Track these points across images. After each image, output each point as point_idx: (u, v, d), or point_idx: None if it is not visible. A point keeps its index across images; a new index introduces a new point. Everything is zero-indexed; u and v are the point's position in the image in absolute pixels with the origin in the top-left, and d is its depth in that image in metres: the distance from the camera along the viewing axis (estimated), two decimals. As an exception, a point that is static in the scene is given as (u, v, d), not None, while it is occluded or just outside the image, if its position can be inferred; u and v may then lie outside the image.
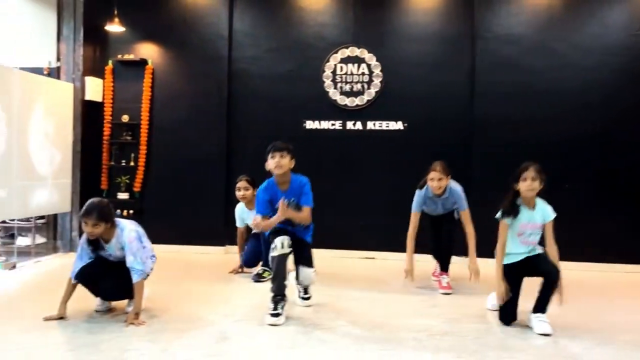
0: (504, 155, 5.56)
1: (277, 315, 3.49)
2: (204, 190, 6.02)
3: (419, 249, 4.95)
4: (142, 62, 6.05)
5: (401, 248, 4.93)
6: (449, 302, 4.17)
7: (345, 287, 4.54)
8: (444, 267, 4.60)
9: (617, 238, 5.40)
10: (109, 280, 3.56)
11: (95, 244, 3.54)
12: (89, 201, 3.45)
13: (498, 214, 3.60)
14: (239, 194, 4.84)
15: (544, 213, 3.57)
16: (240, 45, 6.04)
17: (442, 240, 4.60)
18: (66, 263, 5.35)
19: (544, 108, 5.53)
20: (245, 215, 4.95)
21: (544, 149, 5.35)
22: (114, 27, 5.88)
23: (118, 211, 6.09)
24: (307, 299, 3.97)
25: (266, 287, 3.82)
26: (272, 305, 3.53)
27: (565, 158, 5.49)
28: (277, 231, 3.66)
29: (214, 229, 6.00)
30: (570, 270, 4.28)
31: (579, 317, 3.77)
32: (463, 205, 4.45)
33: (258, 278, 4.69)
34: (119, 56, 6.06)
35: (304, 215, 3.68)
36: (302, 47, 5.95)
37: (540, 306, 3.47)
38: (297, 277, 3.86)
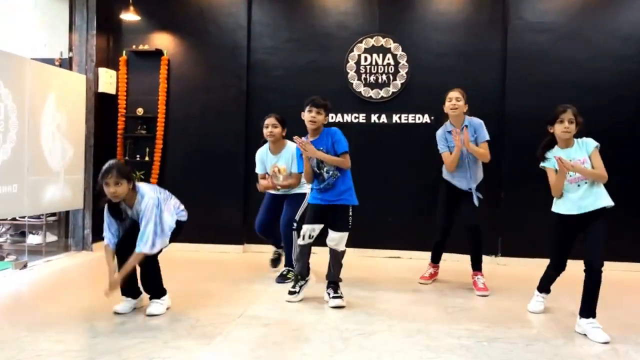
0: (536, 150, 5.31)
1: (293, 292, 3.84)
2: (221, 187, 5.77)
3: (450, 248, 4.73)
4: (158, 53, 5.80)
5: (427, 247, 4.82)
6: (487, 305, 3.91)
7: (376, 289, 4.28)
8: (477, 266, 4.33)
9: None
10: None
11: (118, 213, 3.43)
12: (106, 164, 3.36)
13: (542, 163, 3.53)
14: (266, 131, 4.37)
15: (583, 146, 3.41)
16: (260, 35, 5.79)
17: (469, 234, 4.27)
18: (79, 262, 5.16)
19: (578, 100, 5.22)
20: (267, 160, 4.49)
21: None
22: (129, 16, 5.64)
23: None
24: (338, 297, 3.76)
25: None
26: (292, 284, 3.92)
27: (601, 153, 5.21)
28: (312, 211, 3.83)
29: (233, 226, 5.77)
30: (613, 271, 4.00)
31: (632, 320, 3.52)
32: (484, 134, 4.25)
33: (282, 279, 4.43)
34: (134, 47, 5.82)
35: (339, 159, 3.72)
36: (324, 36, 5.69)
37: (589, 309, 3.21)
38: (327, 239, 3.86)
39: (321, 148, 3.74)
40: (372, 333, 3.19)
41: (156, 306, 3.48)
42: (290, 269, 4.44)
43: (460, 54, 5.50)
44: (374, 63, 5.60)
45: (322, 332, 3.19)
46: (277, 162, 4.41)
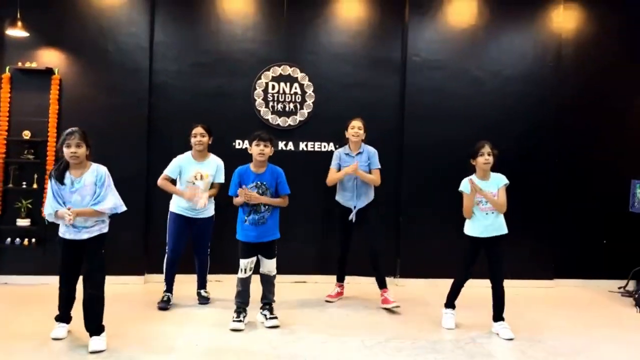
0: (432, 178, 5.73)
1: (240, 321, 4.12)
2: (121, 215, 5.44)
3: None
4: (48, 72, 5.34)
5: (332, 270, 5.17)
6: (394, 322, 4.14)
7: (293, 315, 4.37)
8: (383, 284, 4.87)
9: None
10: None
11: (61, 178, 3.60)
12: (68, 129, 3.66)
13: (460, 187, 4.19)
14: (194, 140, 4.60)
15: (496, 181, 4.14)
16: (163, 57, 5.58)
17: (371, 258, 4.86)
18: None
19: (467, 133, 5.71)
20: (189, 166, 4.62)
21: (469, 168, 5.56)
22: (16, 32, 5.13)
23: (18, 240, 5.35)
24: (274, 318, 4.21)
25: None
26: (235, 314, 4.15)
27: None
28: (245, 246, 4.18)
29: (133, 256, 5.48)
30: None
31: (529, 325, 3.95)
32: (376, 162, 4.85)
33: (205, 301, 4.80)
34: (19, 64, 5.30)
35: (280, 201, 4.22)
36: (231, 62, 5.63)
37: (499, 314, 4.11)
38: (260, 269, 4.28)
39: (264, 182, 4.15)
40: None
41: (98, 342, 3.60)
42: (205, 291, 4.86)
43: (363, 85, 5.75)
44: (281, 91, 5.66)
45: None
46: (200, 169, 4.60)
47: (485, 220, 4.07)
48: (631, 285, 5.61)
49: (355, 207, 4.83)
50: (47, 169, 5.32)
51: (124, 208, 3.82)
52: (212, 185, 4.68)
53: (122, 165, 5.41)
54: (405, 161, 5.75)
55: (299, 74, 5.68)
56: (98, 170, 3.69)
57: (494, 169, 4.25)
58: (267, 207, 4.14)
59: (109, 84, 5.47)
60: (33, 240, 5.37)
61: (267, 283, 4.28)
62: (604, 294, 5.55)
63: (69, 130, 3.65)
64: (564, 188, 5.87)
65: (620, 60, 5.90)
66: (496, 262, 4.07)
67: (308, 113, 5.69)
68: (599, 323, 4.51)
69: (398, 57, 5.79)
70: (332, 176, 4.88)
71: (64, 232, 3.69)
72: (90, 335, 3.64)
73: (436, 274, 5.57)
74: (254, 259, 4.21)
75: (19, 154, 5.34)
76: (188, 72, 5.61)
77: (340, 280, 5.12)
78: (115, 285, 5.18)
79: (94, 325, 3.66)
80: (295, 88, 5.68)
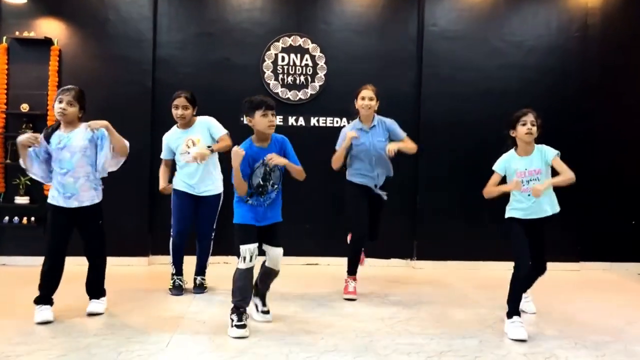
0: (449, 155, 5.46)
1: (244, 325, 3.25)
2: (124, 193, 5.20)
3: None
4: (47, 42, 5.10)
5: (344, 253, 4.58)
6: (420, 313, 3.86)
7: (304, 300, 4.10)
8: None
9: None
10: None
11: (48, 137, 3.45)
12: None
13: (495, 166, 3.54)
14: (176, 112, 4.11)
15: (542, 157, 3.43)
16: (167, 28, 5.32)
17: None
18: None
19: (487, 107, 5.44)
20: (177, 138, 4.17)
21: (489, 149, 5.27)
22: (13, -1, 4.90)
23: (16, 219, 5.13)
24: (267, 312, 3.59)
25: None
26: (236, 317, 3.27)
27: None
28: (247, 229, 3.35)
29: (137, 236, 5.26)
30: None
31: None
32: (400, 133, 4.25)
33: (201, 290, 4.30)
34: (17, 33, 5.06)
35: (300, 169, 3.47)
36: (238, 32, 5.36)
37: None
38: (265, 261, 3.52)
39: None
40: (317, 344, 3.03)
41: (97, 305, 3.58)
42: (202, 278, 4.35)
43: (378, 57, 5.46)
44: (291, 63, 5.39)
45: (267, 357, 2.93)
46: (190, 136, 4.15)
47: (528, 202, 3.44)
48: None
49: (376, 185, 4.23)
50: (47, 144, 5.09)
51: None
52: (218, 141, 4.15)
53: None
54: (422, 139, 5.45)
55: (310, 45, 5.39)
56: (86, 131, 3.51)
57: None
58: (275, 185, 3.44)
59: (111, 55, 5.23)
60: (32, 218, 5.15)
61: (267, 276, 3.55)
62: (631, 277, 5.26)
63: (66, 87, 3.50)
64: (590, 168, 5.54)
65: (650, 31, 5.57)
66: (540, 245, 3.53)
67: (320, 86, 5.41)
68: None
69: (414, 27, 5.48)
70: (336, 155, 4.19)
71: (53, 198, 3.48)
72: (90, 299, 3.60)
73: (453, 255, 5.38)
74: (257, 244, 3.38)
75: (17, 128, 5.09)
76: (193, 43, 5.35)
77: (354, 272, 4.30)
78: (118, 267, 4.97)
79: (94, 288, 3.62)
80: (306, 60, 5.39)
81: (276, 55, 5.37)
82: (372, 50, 5.46)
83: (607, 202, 5.58)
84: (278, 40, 5.38)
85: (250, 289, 3.40)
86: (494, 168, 3.54)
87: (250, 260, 3.30)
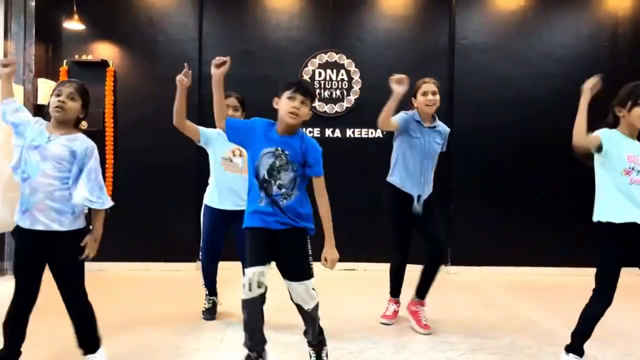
0: (482, 162, 5.65)
1: None
2: (173, 201, 5.60)
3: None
4: (103, 64, 5.54)
5: (380, 259, 4.82)
6: (455, 317, 4.07)
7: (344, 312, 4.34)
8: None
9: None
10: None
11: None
12: None
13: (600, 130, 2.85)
14: (228, 112, 3.69)
15: None
16: (211, 47, 5.69)
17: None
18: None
19: (517, 115, 5.62)
20: (219, 142, 3.81)
21: (519, 156, 5.46)
22: (72, 25, 5.34)
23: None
24: None
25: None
26: None
27: (541, 166, 5.63)
28: (255, 241, 2.61)
29: (185, 242, 5.61)
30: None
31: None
32: (444, 145, 3.75)
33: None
34: (76, 57, 5.52)
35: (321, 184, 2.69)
36: (277, 50, 5.70)
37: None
38: (290, 298, 2.70)
39: (286, 151, 2.64)
40: None
41: None
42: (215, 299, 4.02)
43: (410, 71, 5.65)
44: (328, 78, 5.68)
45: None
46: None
47: (636, 195, 2.66)
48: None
49: (420, 195, 3.68)
50: (105, 159, 5.51)
51: (107, 204, 2.72)
52: None
53: (173, 154, 5.60)
54: (456, 147, 5.66)
55: (345, 61, 5.68)
56: (85, 142, 2.67)
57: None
58: (283, 190, 2.63)
59: (161, 74, 5.61)
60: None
61: (303, 314, 2.73)
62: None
63: (67, 79, 2.98)
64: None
65: (681, 39, 5.65)
66: None
67: (355, 99, 5.69)
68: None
69: (445, 41, 5.71)
70: (385, 111, 3.54)
71: (16, 214, 2.64)
72: (85, 354, 2.73)
73: (487, 261, 5.55)
74: (267, 267, 2.58)
75: (77, 144, 5.53)
76: (235, 61, 5.58)
77: (396, 294, 3.91)
78: (167, 272, 5.33)
79: (88, 342, 2.73)
80: (342, 75, 5.68)
81: (313, 71, 5.68)
82: (405, 64, 5.69)
83: None
84: (315, 57, 5.68)
85: (258, 326, 2.61)
86: (596, 132, 2.84)
87: (251, 290, 2.53)
